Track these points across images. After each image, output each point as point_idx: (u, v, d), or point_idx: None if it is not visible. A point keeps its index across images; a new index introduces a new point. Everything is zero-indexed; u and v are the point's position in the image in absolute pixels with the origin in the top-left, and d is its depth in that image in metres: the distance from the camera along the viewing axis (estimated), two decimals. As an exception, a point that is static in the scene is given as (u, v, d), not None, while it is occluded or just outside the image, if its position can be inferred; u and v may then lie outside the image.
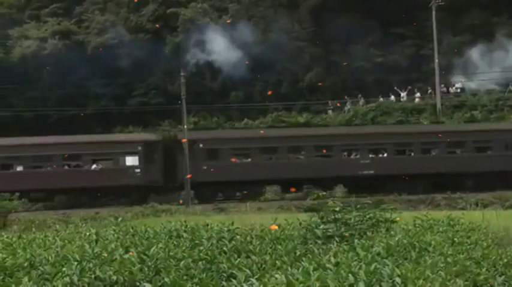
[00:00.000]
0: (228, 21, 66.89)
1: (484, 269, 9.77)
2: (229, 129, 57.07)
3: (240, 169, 47.28)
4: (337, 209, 14.88)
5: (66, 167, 47.78)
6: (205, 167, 46.47)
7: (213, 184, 46.58)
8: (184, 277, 9.04)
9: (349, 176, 47.56)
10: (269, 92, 61.52)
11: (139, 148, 47.66)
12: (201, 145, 47.71)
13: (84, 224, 23.37)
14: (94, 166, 47.63)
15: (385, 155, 49.51)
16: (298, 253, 11.37)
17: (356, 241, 12.64)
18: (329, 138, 49.71)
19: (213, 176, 45.94)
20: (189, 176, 43.91)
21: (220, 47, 64.51)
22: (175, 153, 48.13)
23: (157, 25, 71.14)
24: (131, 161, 47.40)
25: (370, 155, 49.32)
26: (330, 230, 14.07)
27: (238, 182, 46.66)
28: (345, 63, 65.01)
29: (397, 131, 52.66)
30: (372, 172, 47.95)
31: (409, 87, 64.94)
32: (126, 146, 48.07)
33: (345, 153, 49.97)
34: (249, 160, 48.90)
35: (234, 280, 8.58)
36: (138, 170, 46.98)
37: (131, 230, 15.55)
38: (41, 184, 45.33)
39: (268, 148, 48.76)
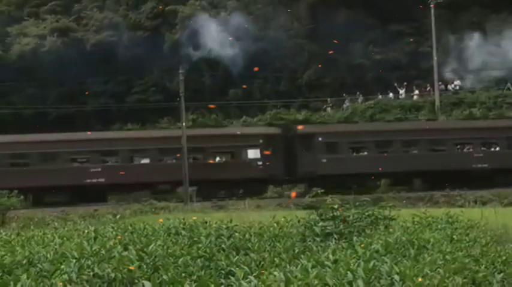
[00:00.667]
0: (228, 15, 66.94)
1: (482, 267, 9.77)
2: (346, 124, 57.37)
3: (357, 162, 48.19)
4: (336, 206, 14.88)
5: (191, 159, 48.17)
6: (324, 161, 47.25)
7: (332, 177, 46.60)
8: (183, 274, 9.04)
9: (463, 170, 47.87)
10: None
11: (261, 141, 48.48)
12: (320, 139, 48.48)
13: (82, 222, 23.41)
14: (217, 159, 48.56)
15: (497, 149, 50.21)
16: (296, 251, 11.38)
17: (355, 238, 12.66)
18: (442, 132, 50.72)
19: (332, 169, 46.70)
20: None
21: (218, 43, 64.52)
22: (294, 146, 48.98)
23: (159, 16, 71.17)
24: (253, 154, 48.25)
25: (483, 149, 49.96)
26: (329, 227, 14.07)
27: (355, 175, 47.12)
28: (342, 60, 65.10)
29: (509, 125, 52.83)
30: (485, 165, 48.56)
31: (405, 83, 64.86)
32: (247, 140, 48.77)
33: (458, 147, 50.76)
34: (365, 153, 49.62)
35: (232, 277, 8.58)
36: (260, 163, 47.68)
37: (130, 228, 15.55)
38: (166, 176, 46.25)
39: (383, 141, 49.52)
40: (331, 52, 61.96)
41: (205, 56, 65.43)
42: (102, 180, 46.07)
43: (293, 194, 45.37)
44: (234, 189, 46.47)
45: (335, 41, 62.15)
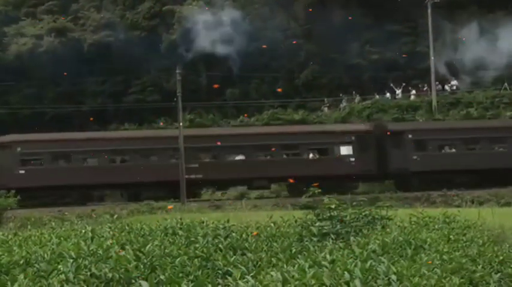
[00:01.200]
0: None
1: (480, 267, 9.77)
2: (433, 121, 57.70)
3: (445, 159, 48.94)
4: (333, 206, 14.88)
5: (284, 156, 49.02)
6: (415, 157, 47.83)
7: (423, 173, 47.30)
8: (180, 274, 9.03)
9: None
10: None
11: (353, 138, 48.95)
12: (410, 136, 48.99)
13: (79, 222, 23.40)
14: (311, 155, 48.91)
15: None
16: (293, 251, 11.37)
17: (352, 238, 12.66)
18: None
19: (423, 166, 47.33)
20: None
21: (216, 42, 64.66)
22: (385, 143, 49.34)
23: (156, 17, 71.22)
24: (345, 150, 48.78)
25: None
26: (326, 227, 14.07)
27: (445, 172, 47.48)
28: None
29: None
30: None
31: (404, 84, 64.96)
32: (340, 136, 49.16)
33: None
34: (453, 150, 50.11)
35: (229, 278, 8.57)
36: (353, 160, 48.14)
37: (127, 228, 15.55)
38: (262, 172, 47.11)
39: (471, 138, 49.86)
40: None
41: (202, 55, 65.57)
42: (199, 176, 46.91)
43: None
44: (325, 185, 46.90)
45: (332, 41, 62.36)
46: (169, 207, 36.38)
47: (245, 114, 64.44)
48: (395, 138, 48.87)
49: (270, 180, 48.44)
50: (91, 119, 61.88)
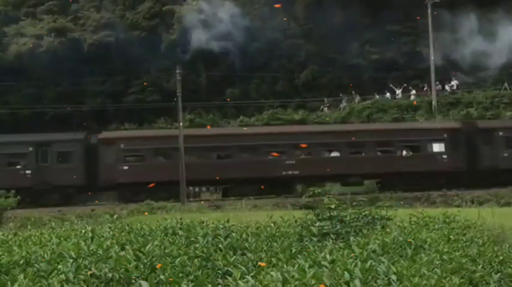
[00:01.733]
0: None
1: (479, 267, 9.77)
2: None
3: None
4: (333, 206, 14.87)
5: (379, 153, 49.65)
6: (506, 155, 48.53)
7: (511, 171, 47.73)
8: (180, 274, 9.03)
9: None
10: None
11: (445, 135, 49.51)
12: (500, 133, 49.48)
13: (79, 222, 23.40)
14: (404, 153, 49.43)
15: None
16: (293, 251, 11.37)
17: (352, 238, 12.65)
18: None
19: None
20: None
21: (215, 42, 64.72)
22: (475, 140, 49.77)
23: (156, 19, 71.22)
24: (438, 148, 49.33)
25: None
26: (326, 227, 14.06)
27: None
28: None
29: None
30: None
31: (403, 83, 65.01)
32: (433, 134, 49.82)
33: None
34: None
35: (229, 277, 8.57)
36: (445, 157, 48.80)
37: (127, 228, 15.54)
38: (357, 169, 47.65)
39: None
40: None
41: (202, 55, 65.62)
42: (296, 172, 47.64)
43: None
44: (417, 181, 47.72)
45: (332, 41, 62.36)
46: None
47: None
48: (485, 136, 49.43)
49: (363, 176, 49.09)
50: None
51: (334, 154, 49.32)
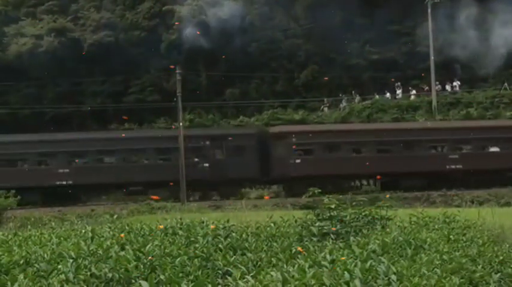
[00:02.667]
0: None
1: (479, 267, 9.78)
2: None
3: None
4: (333, 206, 14.87)
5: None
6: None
7: None
8: (180, 274, 9.03)
9: None
10: None
11: None
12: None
13: (79, 222, 23.42)
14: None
15: None
16: (293, 251, 11.37)
17: (352, 238, 12.65)
18: None
19: None
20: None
21: (215, 42, 64.74)
22: None
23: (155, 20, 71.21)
24: None
25: None
26: (326, 227, 14.06)
27: None
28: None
29: None
30: None
31: (402, 83, 64.91)
32: None
33: None
34: None
35: (229, 277, 8.58)
36: None
37: (127, 227, 15.54)
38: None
39: None
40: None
41: (202, 54, 65.63)
42: (459, 166, 48.82)
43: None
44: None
45: (332, 41, 62.34)
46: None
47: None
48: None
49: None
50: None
51: (494, 149, 50.45)
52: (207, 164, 48.32)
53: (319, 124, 57.83)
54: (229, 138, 49.22)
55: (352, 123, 56.50)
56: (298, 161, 48.27)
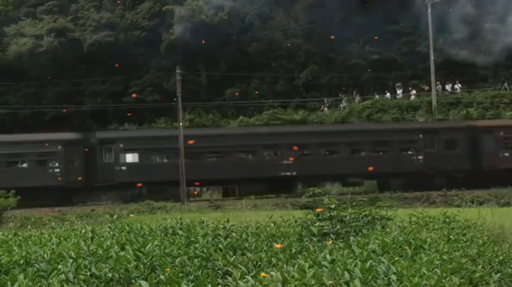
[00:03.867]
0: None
1: (479, 267, 9.77)
2: None
3: None
4: (333, 206, 14.86)
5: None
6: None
7: None
8: (180, 274, 9.03)
9: None
10: None
11: None
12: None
13: (79, 222, 23.38)
14: None
15: None
16: (293, 251, 11.36)
17: (352, 238, 12.64)
18: None
19: None
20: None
21: (215, 41, 64.78)
22: None
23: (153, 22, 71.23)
24: None
25: None
26: (326, 227, 14.05)
27: None
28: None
29: None
30: None
31: (402, 83, 64.95)
32: None
33: None
34: None
35: (229, 277, 8.57)
36: None
37: (127, 228, 15.52)
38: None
39: None
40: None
41: (202, 54, 65.68)
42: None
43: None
44: None
45: (332, 41, 62.33)
46: None
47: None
48: None
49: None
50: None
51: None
52: (421, 157, 50.11)
53: None
54: (441, 132, 51.11)
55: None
56: (506, 154, 50.09)
